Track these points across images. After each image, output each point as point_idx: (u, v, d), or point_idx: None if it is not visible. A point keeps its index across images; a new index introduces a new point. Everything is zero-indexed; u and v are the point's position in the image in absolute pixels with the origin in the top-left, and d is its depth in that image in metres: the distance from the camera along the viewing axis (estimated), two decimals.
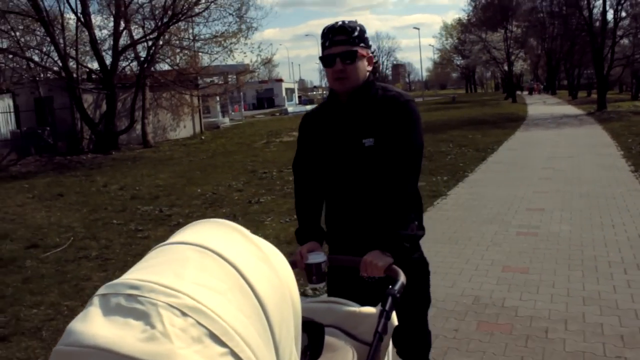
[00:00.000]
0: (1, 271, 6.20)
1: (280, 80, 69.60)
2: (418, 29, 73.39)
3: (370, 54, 2.27)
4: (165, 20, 21.34)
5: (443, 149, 14.86)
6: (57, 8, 21.18)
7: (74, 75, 20.81)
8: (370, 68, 2.27)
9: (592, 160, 11.41)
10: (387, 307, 1.78)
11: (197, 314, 0.99)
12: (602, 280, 4.58)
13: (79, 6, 21.02)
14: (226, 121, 33.33)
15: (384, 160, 2.17)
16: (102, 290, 1.07)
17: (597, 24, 30.94)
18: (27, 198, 11.20)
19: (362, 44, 2.21)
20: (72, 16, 21.64)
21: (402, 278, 1.90)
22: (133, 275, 1.08)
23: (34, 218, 9.06)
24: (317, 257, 2.11)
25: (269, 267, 1.19)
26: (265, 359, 1.08)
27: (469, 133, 18.98)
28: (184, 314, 0.98)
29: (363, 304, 1.96)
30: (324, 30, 2.23)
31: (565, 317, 3.88)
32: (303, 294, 4.22)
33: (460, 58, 72.85)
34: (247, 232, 1.25)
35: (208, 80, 27.69)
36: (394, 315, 1.84)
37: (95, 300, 1.05)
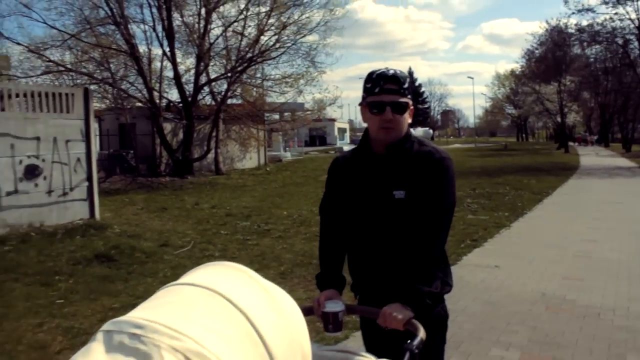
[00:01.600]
0: (150, 260, 7.76)
1: (334, 120, 71.52)
2: (472, 78, 75.39)
3: (412, 107, 2.28)
4: (240, 63, 23.39)
5: (500, 190, 16.07)
6: (145, 43, 23.54)
7: (157, 105, 22.94)
8: (410, 120, 2.28)
9: None
10: None
11: (200, 359, 0.98)
12: None
13: (165, 43, 23.37)
14: (288, 155, 35.28)
15: (414, 214, 2.15)
16: (106, 327, 1.06)
17: None
18: (137, 209, 12.94)
19: (409, 96, 2.23)
20: (158, 51, 23.98)
21: (422, 334, 1.88)
22: (139, 313, 1.08)
23: (153, 225, 10.70)
24: (335, 306, 2.10)
25: (279, 315, 1.17)
26: None
27: (523, 178, 20.08)
28: (187, 359, 0.97)
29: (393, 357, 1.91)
30: (372, 75, 2.22)
31: (613, 307, 5.18)
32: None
33: (512, 107, 73.89)
34: (258, 277, 1.24)
35: (273, 116, 29.70)
36: None
37: (99, 336, 1.04)
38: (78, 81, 24.82)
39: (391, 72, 2.19)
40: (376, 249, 2.26)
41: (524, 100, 56.16)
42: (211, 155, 24.85)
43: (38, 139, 9.08)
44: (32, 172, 8.93)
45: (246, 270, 1.24)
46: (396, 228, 2.19)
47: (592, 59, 44.38)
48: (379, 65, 2.30)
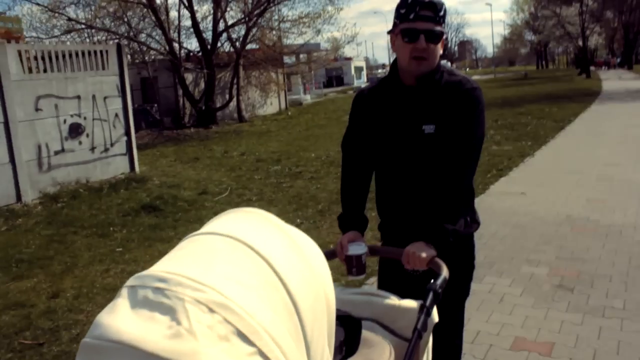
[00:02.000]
0: (192, 208, 8.25)
1: (350, 59, 70.72)
2: (490, 4, 73.10)
3: (445, 37, 2.15)
4: (257, 5, 23.32)
5: (522, 120, 16.24)
6: None
7: (178, 56, 23.13)
8: (441, 51, 2.14)
9: None
10: (427, 303, 1.74)
11: (224, 310, 0.98)
12: None
13: None
14: (308, 98, 35.42)
15: (444, 148, 2.07)
16: (130, 282, 1.06)
17: None
18: (170, 161, 13.45)
19: (444, 24, 2.09)
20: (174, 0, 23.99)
21: (445, 272, 1.85)
22: (162, 266, 1.08)
23: (188, 174, 11.18)
24: (358, 249, 2.08)
25: (302, 261, 1.16)
26: (296, 358, 1.06)
27: (545, 107, 20.10)
28: (211, 310, 0.97)
29: (411, 297, 1.86)
30: (407, 0, 2.05)
31: (635, 225, 5.56)
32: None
33: (531, 33, 72.37)
34: (280, 222, 1.23)
35: (291, 59, 29.74)
36: (434, 311, 1.79)
37: (124, 292, 1.04)
38: (96, 38, 25.05)
39: None
40: (404, 185, 2.20)
41: (544, 24, 55.03)
42: (233, 104, 25.11)
43: (79, 97, 9.46)
44: (75, 131, 9.39)
45: (268, 215, 1.24)
46: (425, 164, 2.13)
47: None
48: None
